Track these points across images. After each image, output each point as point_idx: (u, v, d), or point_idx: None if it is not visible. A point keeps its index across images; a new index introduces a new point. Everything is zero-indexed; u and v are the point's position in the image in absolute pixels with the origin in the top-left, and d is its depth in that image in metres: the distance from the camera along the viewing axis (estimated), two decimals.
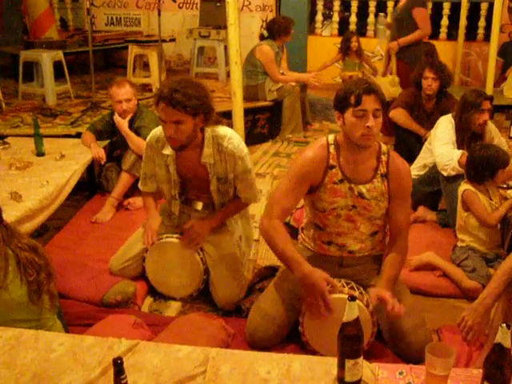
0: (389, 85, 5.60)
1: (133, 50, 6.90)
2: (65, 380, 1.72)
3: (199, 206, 3.04)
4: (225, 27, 4.91)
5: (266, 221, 2.47)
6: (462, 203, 3.27)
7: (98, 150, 3.98)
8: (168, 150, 2.83)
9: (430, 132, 4.07)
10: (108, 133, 4.27)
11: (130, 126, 4.03)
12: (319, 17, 8.24)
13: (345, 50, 7.05)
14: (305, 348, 2.50)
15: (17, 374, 1.74)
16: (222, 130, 2.86)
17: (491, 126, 3.92)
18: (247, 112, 4.99)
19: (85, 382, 1.70)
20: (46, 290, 2.14)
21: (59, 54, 6.22)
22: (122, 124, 4.01)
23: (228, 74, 4.93)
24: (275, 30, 5.89)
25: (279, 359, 1.82)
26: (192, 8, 8.08)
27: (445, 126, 3.84)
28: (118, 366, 1.45)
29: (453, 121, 3.82)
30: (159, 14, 6.37)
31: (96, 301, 2.82)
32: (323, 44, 7.85)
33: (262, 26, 7.64)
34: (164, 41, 7.03)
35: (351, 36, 7.06)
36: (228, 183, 2.90)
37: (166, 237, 2.96)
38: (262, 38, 6.08)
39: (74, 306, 2.76)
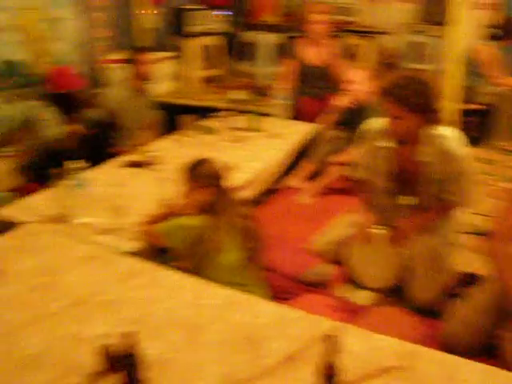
0: None
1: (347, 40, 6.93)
2: (271, 346, 1.82)
3: (406, 201, 3.00)
4: (442, 23, 4.74)
5: (501, 245, 2.36)
6: None
7: None
8: (388, 143, 2.84)
9: None
10: None
11: None
12: None
13: None
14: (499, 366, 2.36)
15: (230, 332, 1.88)
16: (444, 129, 2.80)
17: None
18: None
19: (287, 351, 1.78)
20: (257, 257, 2.29)
21: (277, 37, 6.48)
22: None
23: (440, 73, 4.74)
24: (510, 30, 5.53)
25: (484, 370, 1.77)
26: (406, 1, 7.88)
27: None
28: (332, 341, 1.49)
29: None
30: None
31: (295, 277, 2.92)
32: None
33: (487, 25, 7.23)
34: (379, 33, 7.00)
35: None
36: (439, 185, 2.83)
37: (374, 228, 2.97)
38: (493, 37, 5.75)
39: (273, 278, 2.86)
